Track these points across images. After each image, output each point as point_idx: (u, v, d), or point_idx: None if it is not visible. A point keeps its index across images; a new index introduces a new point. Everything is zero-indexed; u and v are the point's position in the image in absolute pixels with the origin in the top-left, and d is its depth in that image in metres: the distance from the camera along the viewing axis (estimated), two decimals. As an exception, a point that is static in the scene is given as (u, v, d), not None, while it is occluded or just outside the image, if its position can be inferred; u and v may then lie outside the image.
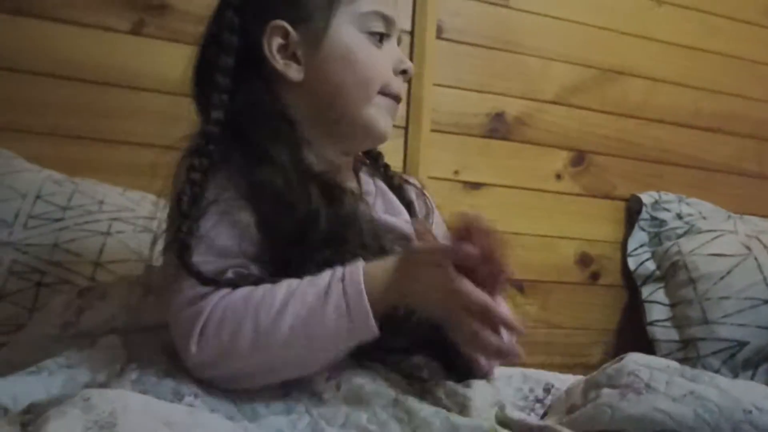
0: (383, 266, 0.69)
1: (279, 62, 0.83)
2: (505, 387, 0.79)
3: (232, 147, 0.78)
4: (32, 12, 1.32)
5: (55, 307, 0.88)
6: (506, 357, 0.65)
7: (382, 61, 0.86)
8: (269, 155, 0.77)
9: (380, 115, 0.86)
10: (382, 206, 0.89)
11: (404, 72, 0.88)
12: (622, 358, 0.67)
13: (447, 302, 0.64)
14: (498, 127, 1.68)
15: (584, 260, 1.74)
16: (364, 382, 0.65)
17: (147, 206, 1.20)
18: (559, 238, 1.72)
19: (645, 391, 0.56)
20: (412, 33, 1.59)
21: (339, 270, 0.69)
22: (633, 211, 1.78)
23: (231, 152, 0.78)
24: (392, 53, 0.87)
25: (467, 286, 0.63)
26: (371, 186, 0.91)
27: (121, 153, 1.34)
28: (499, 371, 0.83)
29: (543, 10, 1.73)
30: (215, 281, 0.69)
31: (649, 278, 1.70)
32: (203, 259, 0.70)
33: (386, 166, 0.98)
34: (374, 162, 0.98)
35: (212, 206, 0.73)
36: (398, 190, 0.95)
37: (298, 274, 0.71)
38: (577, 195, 1.75)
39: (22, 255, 1.11)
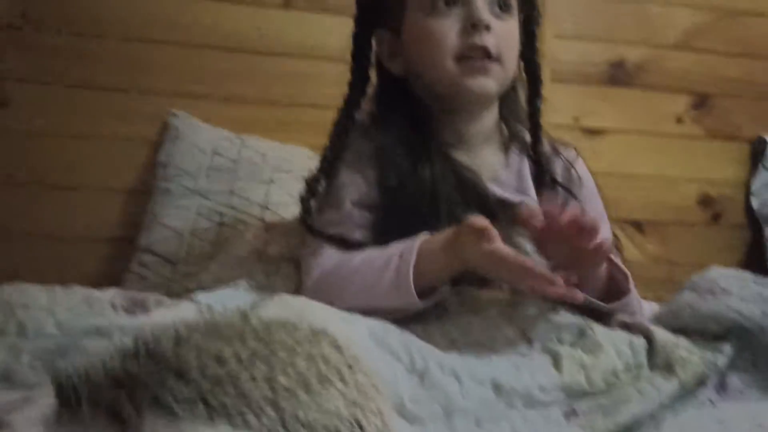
0: (440, 238, 0.80)
1: (387, 62, 0.97)
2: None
3: (372, 123, 0.96)
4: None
5: (248, 237, 1.09)
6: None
7: (446, 31, 0.89)
8: (397, 132, 0.93)
9: (465, 77, 0.90)
10: (514, 182, 0.96)
11: (474, 26, 0.89)
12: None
13: (488, 264, 0.75)
14: (618, 74, 1.74)
15: (705, 201, 1.78)
16: (482, 292, 0.80)
17: (301, 158, 1.40)
18: (679, 180, 1.76)
19: (720, 294, 0.68)
20: (532, -13, 1.68)
21: (401, 245, 0.81)
22: (758, 152, 1.78)
23: (371, 131, 0.95)
24: (461, 14, 0.89)
25: (502, 249, 0.73)
26: (514, 161, 0.98)
27: (275, 112, 1.56)
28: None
29: (664, -45, 1.76)
30: (326, 238, 0.89)
31: (773, 218, 1.72)
32: (321, 223, 0.91)
33: (535, 143, 1.00)
34: (532, 137, 1.00)
35: (344, 165, 0.92)
36: (542, 166, 0.99)
37: (396, 237, 0.83)
38: (699, 137, 1.78)
39: (206, 200, 1.35)
